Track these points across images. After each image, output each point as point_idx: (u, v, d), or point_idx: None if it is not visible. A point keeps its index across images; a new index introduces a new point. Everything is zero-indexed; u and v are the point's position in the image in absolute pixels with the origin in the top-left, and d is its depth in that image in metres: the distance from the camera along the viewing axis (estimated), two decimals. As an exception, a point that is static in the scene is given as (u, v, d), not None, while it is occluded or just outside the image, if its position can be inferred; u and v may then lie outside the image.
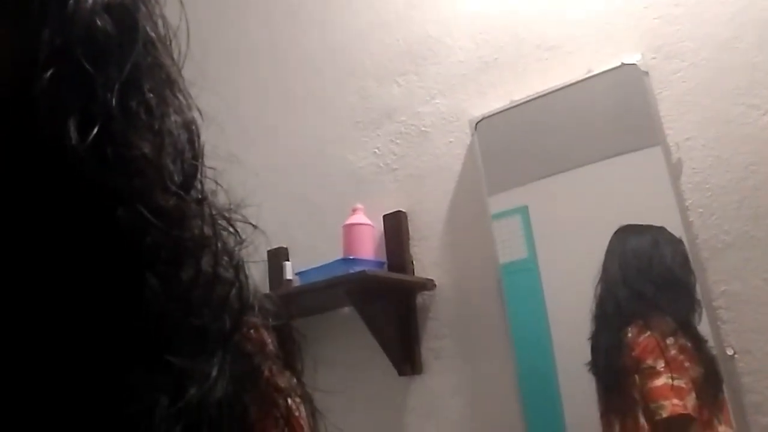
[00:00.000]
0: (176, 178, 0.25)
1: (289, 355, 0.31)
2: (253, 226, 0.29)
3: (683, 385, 1.18)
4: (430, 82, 1.68)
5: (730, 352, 1.15)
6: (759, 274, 1.15)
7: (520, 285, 1.44)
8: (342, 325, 1.67)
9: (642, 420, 1.21)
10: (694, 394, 1.17)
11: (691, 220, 1.24)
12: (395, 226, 1.64)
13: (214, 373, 0.24)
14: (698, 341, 1.20)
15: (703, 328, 1.19)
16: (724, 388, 1.15)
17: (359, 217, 1.64)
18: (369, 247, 1.62)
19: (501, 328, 1.44)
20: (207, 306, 0.25)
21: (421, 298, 1.59)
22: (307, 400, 0.31)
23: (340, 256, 1.59)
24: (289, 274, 1.74)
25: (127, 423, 0.22)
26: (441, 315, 1.56)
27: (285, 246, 1.84)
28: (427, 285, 1.57)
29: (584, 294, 1.32)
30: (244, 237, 0.29)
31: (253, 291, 0.28)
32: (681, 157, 1.27)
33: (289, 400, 0.29)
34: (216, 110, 0.28)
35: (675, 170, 1.26)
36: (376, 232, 1.66)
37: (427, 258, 1.61)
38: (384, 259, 1.62)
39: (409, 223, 1.65)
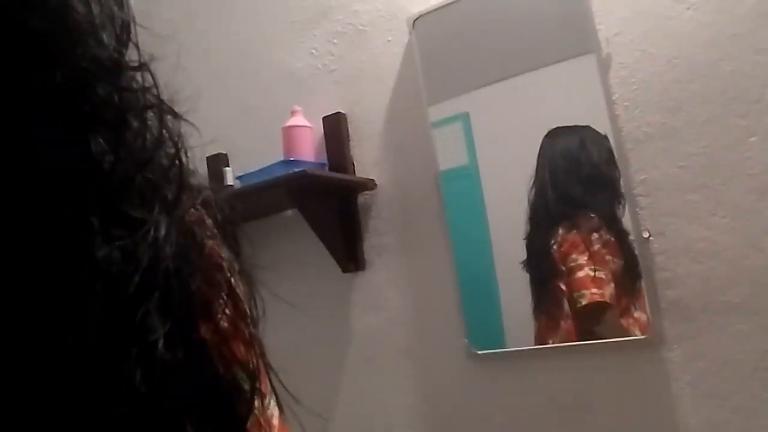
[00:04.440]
0: (110, 34, 0.25)
1: (227, 233, 0.31)
2: (187, 121, 0.29)
3: (603, 276, 1.28)
4: (367, -22, 1.64)
5: (645, 234, 1.25)
6: (675, 162, 1.23)
7: (460, 189, 1.49)
8: (285, 227, 1.70)
9: (566, 309, 1.31)
10: (613, 284, 1.27)
11: (617, 113, 1.30)
12: (335, 127, 1.64)
13: (162, 232, 0.24)
14: (621, 234, 1.29)
15: (627, 221, 1.28)
16: (642, 272, 1.26)
17: (298, 119, 1.63)
18: (309, 149, 1.62)
19: (440, 227, 1.50)
20: (153, 168, 0.26)
21: (362, 198, 1.63)
22: (246, 275, 0.31)
23: (280, 158, 1.59)
24: (229, 180, 1.73)
25: (81, 278, 0.22)
26: (382, 214, 1.61)
27: (224, 152, 1.82)
28: (368, 185, 1.60)
29: (522, 197, 1.38)
30: (181, 113, 0.28)
31: (192, 169, 0.29)
32: (610, 52, 1.31)
33: (231, 278, 0.29)
34: (140, 14, 0.27)
35: (604, 65, 1.31)
36: (315, 134, 1.66)
37: (367, 158, 1.63)
38: (325, 160, 1.64)
39: (349, 125, 1.65)
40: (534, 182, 1.37)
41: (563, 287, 1.32)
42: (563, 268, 1.32)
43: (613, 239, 1.29)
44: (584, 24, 1.32)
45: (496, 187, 1.45)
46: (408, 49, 1.57)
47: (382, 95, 1.62)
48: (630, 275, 1.27)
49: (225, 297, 0.28)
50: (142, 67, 0.26)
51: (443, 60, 1.53)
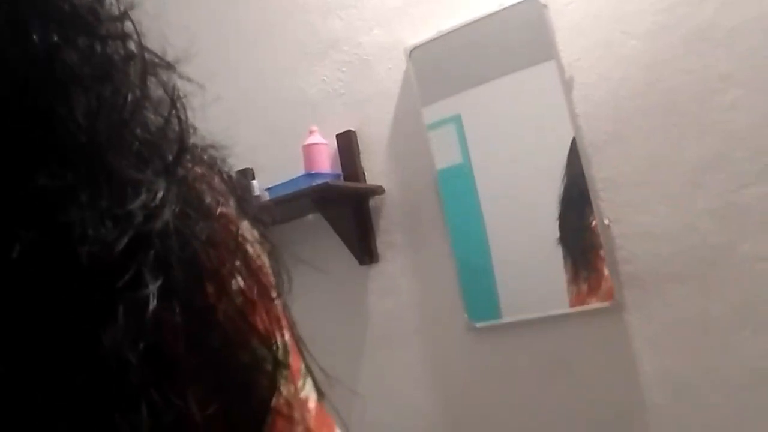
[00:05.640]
0: None
1: (245, 203, 0.29)
2: (188, 79, 0.27)
3: None
4: (369, 15, 1.93)
5: (606, 221, 1.55)
6: (628, 162, 1.53)
7: (456, 186, 1.78)
8: (307, 229, 1.99)
9: (606, 272, 1.55)
10: None
11: (579, 124, 1.59)
12: (347, 143, 1.94)
13: (160, 193, 0.22)
14: None
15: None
16: (605, 251, 1.55)
17: (315, 138, 1.93)
18: (326, 163, 1.91)
19: (439, 222, 1.80)
20: (147, 125, 0.24)
21: (373, 202, 1.92)
22: (269, 249, 0.29)
23: (301, 172, 1.88)
24: (256, 192, 2.02)
25: (63, 241, 0.20)
26: (391, 214, 1.90)
27: (251, 167, 2.11)
28: (378, 190, 1.89)
29: (513, 191, 1.66)
30: (174, 66, 0.26)
31: (193, 129, 0.27)
32: (572, 75, 1.61)
33: (249, 248, 0.27)
34: (177, 49, 0.28)
35: (568, 85, 1.60)
36: (330, 150, 1.95)
37: (375, 168, 1.92)
38: (340, 171, 1.93)
39: (359, 140, 1.95)
40: (565, 173, 1.60)
41: (602, 254, 1.56)
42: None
43: None
44: (547, 41, 1.62)
45: (490, 181, 1.72)
46: (406, 75, 1.87)
47: (385, 114, 1.91)
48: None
49: (239, 264, 0.26)
50: (123, 16, 0.24)
51: (436, 79, 1.82)
